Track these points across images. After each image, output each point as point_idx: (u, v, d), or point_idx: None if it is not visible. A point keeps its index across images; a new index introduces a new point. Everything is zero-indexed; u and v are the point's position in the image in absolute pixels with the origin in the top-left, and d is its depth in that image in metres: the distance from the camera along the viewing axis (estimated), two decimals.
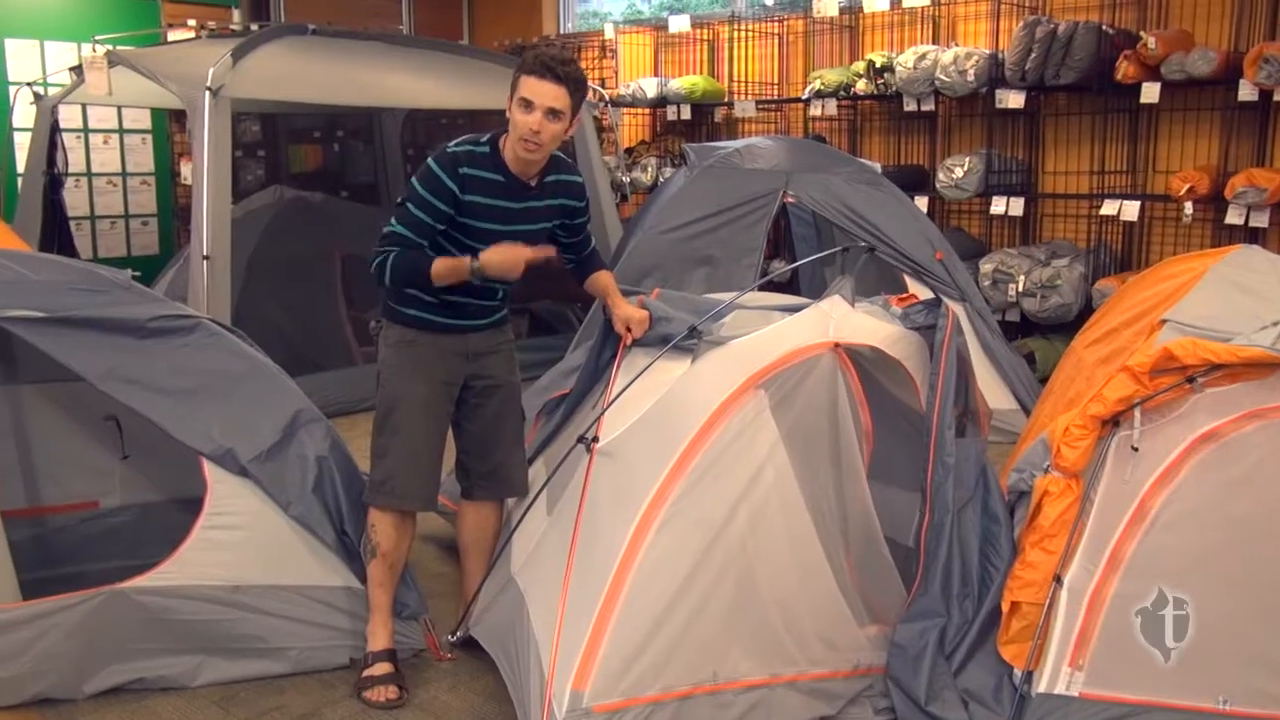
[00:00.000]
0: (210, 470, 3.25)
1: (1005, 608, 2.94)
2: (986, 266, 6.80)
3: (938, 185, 7.14)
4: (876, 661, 3.02)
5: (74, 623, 3.10)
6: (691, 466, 2.84)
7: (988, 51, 6.88)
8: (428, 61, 7.16)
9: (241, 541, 3.25)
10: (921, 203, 7.00)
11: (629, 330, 3.34)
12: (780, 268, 7.56)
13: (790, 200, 5.97)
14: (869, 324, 3.14)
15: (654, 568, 2.77)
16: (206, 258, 5.56)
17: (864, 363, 3.25)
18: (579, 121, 3.31)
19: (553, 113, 3.10)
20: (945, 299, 5.73)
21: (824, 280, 7.09)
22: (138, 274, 3.61)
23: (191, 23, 8.94)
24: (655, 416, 3.00)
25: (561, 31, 10.01)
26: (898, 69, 7.13)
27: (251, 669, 3.29)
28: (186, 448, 3.27)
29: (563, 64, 3.12)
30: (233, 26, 8.84)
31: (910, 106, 7.22)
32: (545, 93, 3.09)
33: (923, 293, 5.83)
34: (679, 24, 8.58)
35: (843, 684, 2.97)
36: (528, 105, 3.11)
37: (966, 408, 3.37)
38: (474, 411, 3.42)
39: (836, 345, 3.05)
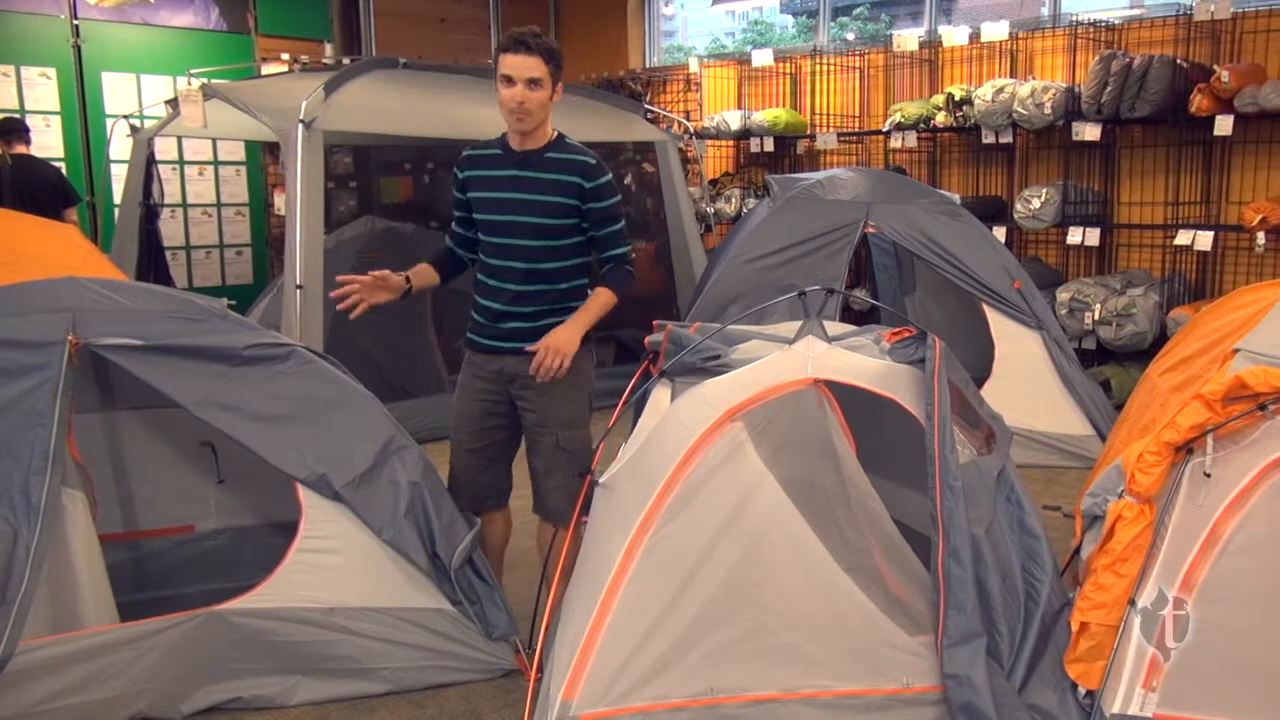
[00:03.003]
0: (305, 495, 3.27)
1: (1074, 627, 2.96)
2: (1063, 295, 6.78)
3: (1015, 216, 7.14)
4: (926, 681, 2.91)
5: (171, 644, 3.13)
6: (672, 498, 2.91)
7: (1064, 85, 6.87)
8: None
9: (336, 565, 3.27)
10: (999, 233, 6.99)
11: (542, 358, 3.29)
12: (861, 297, 7.63)
13: (871, 230, 5.99)
14: (851, 361, 3.09)
15: (640, 589, 2.87)
16: (300, 287, 5.63)
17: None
18: (560, 90, 3.40)
19: (532, 82, 3.27)
20: (1023, 326, 5.90)
21: (904, 309, 7.15)
22: (234, 302, 3.65)
23: (285, 57, 9.12)
24: (642, 452, 3.08)
25: (647, 65, 10.14)
26: (976, 102, 7.16)
27: (345, 689, 3.31)
28: (280, 473, 3.28)
29: (534, 36, 3.30)
30: (325, 60, 9.00)
31: (989, 139, 7.22)
32: (521, 65, 3.27)
33: (999, 322, 5.90)
34: (762, 58, 8.64)
35: (882, 701, 2.91)
36: (508, 80, 3.29)
37: (992, 431, 3.39)
38: (519, 429, 3.57)
39: (815, 381, 3.04)
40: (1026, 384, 5.74)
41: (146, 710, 3.17)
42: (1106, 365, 6.71)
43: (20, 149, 7.44)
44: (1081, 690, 2.92)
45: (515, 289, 3.40)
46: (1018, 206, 7.11)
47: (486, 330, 3.48)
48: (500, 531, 3.69)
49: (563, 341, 3.29)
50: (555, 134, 3.45)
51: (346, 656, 3.28)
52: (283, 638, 3.21)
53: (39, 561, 2.98)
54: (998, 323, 5.85)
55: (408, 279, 3.52)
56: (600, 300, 3.42)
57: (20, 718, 3.01)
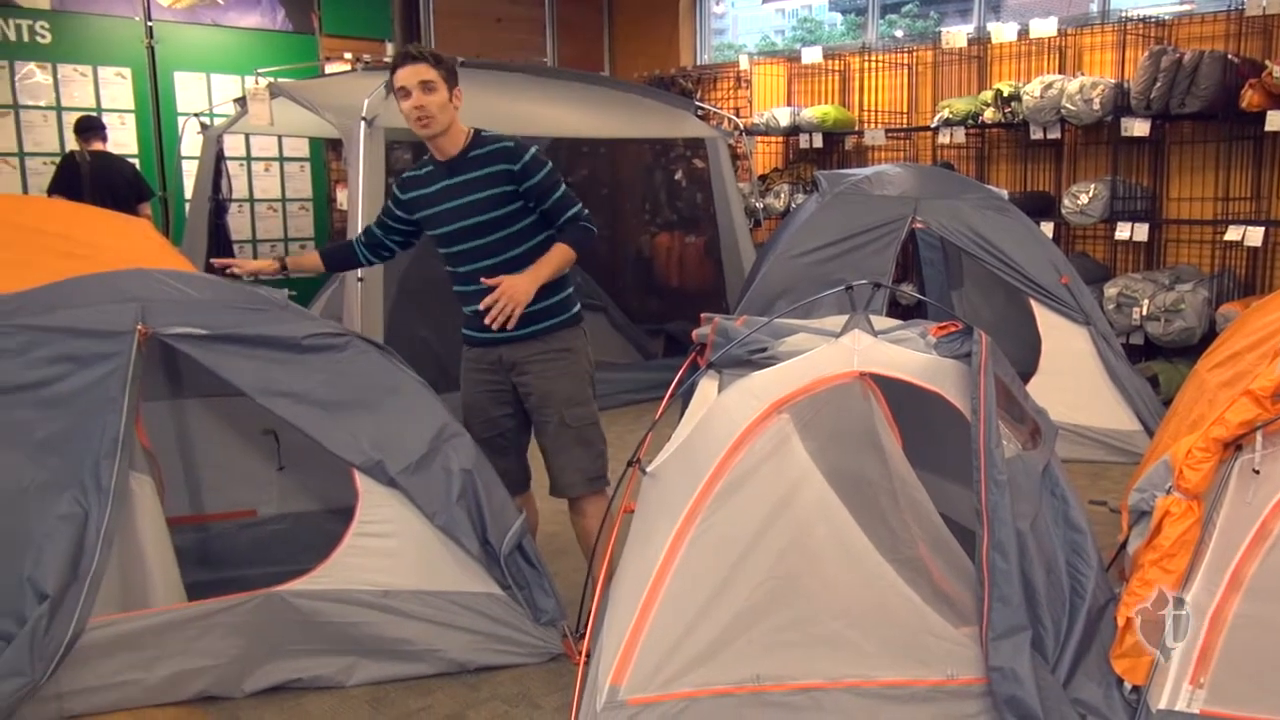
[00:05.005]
0: (361, 481, 3.28)
1: (1120, 622, 2.89)
2: (1111, 291, 6.64)
3: (1063, 211, 7.00)
4: (971, 673, 2.86)
5: (233, 624, 3.16)
6: (719, 488, 2.88)
7: (1113, 81, 6.71)
8: (570, 92, 7.24)
9: (391, 549, 3.28)
10: (1047, 228, 6.86)
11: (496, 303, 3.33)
12: (908, 292, 7.53)
13: (919, 226, 5.91)
14: (897, 355, 3.05)
15: (687, 578, 2.84)
16: (360, 280, 5.66)
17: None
18: (460, 93, 3.44)
19: (424, 85, 3.35)
20: (1071, 321, 5.79)
21: (951, 304, 7.05)
22: (294, 294, 3.70)
23: (348, 56, 9.19)
24: (690, 442, 3.06)
25: (698, 63, 10.08)
26: (1024, 98, 7.03)
27: (400, 670, 3.32)
28: (339, 459, 3.30)
29: (415, 47, 3.40)
30: (386, 59, 8.93)
31: (1037, 134, 7.09)
32: (410, 73, 3.35)
33: (1047, 317, 5.80)
34: (812, 55, 8.55)
35: (926, 691, 2.86)
36: (404, 92, 3.37)
37: (1037, 426, 3.32)
38: (528, 415, 3.61)
39: (862, 375, 3.00)
40: (1073, 379, 5.64)
41: (210, 688, 3.20)
42: (1154, 361, 6.57)
43: (98, 146, 7.55)
44: (1127, 685, 2.85)
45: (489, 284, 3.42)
46: (1065, 202, 6.98)
47: (478, 325, 3.52)
48: (529, 516, 3.70)
49: (516, 288, 3.33)
50: (471, 132, 3.51)
51: (401, 639, 3.28)
52: (339, 619, 3.23)
53: (109, 542, 3.03)
54: (1044, 318, 5.74)
55: (282, 261, 3.78)
56: (557, 253, 3.44)
57: (90, 691, 3.06)
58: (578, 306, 3.63)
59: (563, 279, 3.54)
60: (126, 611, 3.09)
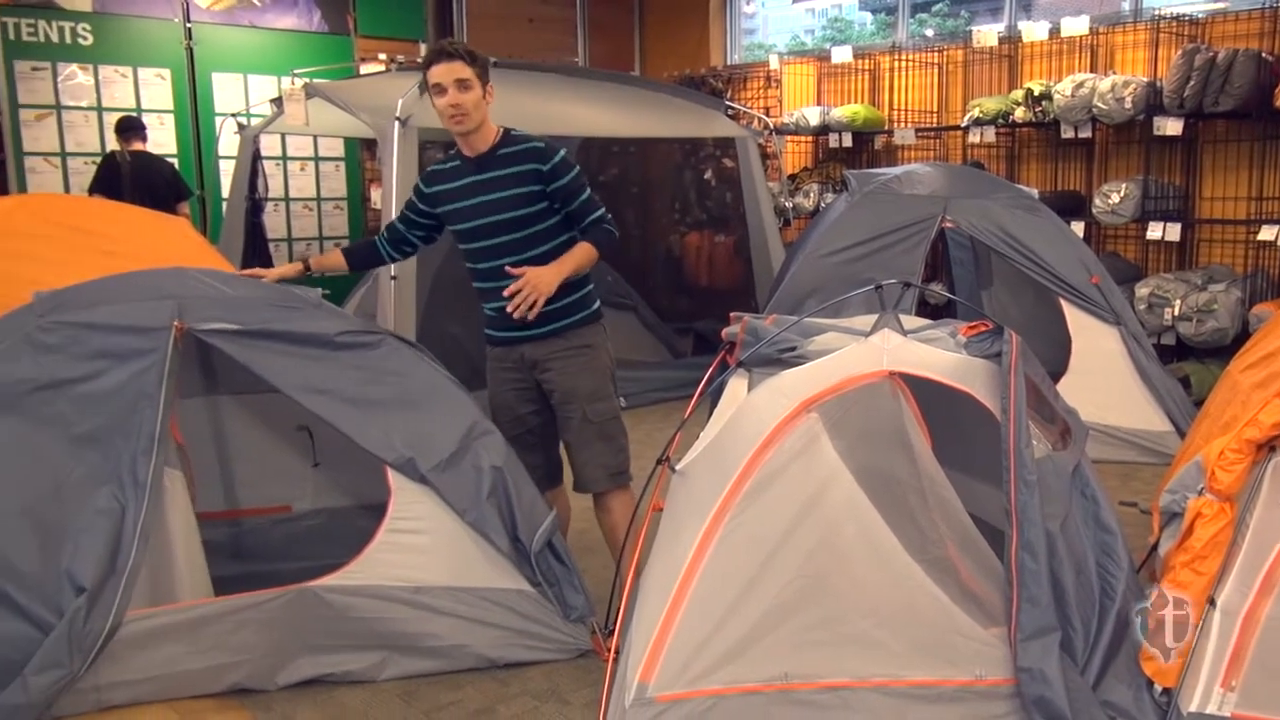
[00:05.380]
0: (393, 478, 3.29)
1: (1150, 624, 2.87)
2: (1142, 291, 6.56)
3: (1094, 211, 6.92)
4: (999, 673, 2.81)
5: (267, 618, 3.17)
6: (747, 487, 2.86)
7: (1146, 79, 6.62)
8: (601, 92, 7.23)
9: (422, 545, 3.28)
10: (1078, 228, 6.77)
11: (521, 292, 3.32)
12: (938, 291, 7.48)
13: (949, 225, 5.86)
14: (926, 354, 3.02)
15: (715, 576, 2.82)
16: (394, 278, 5.68)
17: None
18: (492, 90, 3.44)
19: (460, 82, 3.34)
20: (1101, 321, 5.73)
21: (980, 303, 6.99)
22: (327, 292, 3.70)
23: (382, 56, 9.22)
24: (718, 441, 3.04)
25: (728, 62, 10.05)
26: (1055, 97, 6.95)
27: (430, 666, 3.32)
28: (371, 456, 3.31)
29: (449, 43, 3.39)
30: (419, 60, 9.08)
31: (1068, 134, 7.01)
32: (447, 70, 3.33)
33: (1077, 316, 5.73)
34: (841, 55, 8.50)
35: (954, 692, 2.82)
36: (439, 89, 3.36)
37: (1067, 427, 3.28)
38: (554, 411, 3.61)
39: (891, 374, 2.97)
40: (1104, 379, 5.57)
41: (244, 681, 3.22)
42: (1186, 361, 6.48)
43: (138, 146, 7.62)
44: (1158, 688, 2.81)
45: (510, 282, 3.41)
46: (1096, 201, 6.90)
47: (499, 324, 3.55)
48: (560, 512, 3.69)
49: (541, 278, 3.33)
50: (501, 130, 3.51)
51: (431, 634, 3.29)
52: (371, 615, 3.24)
53: (145, 536, 3.05)
54: (1075, 318, 5.68)
55: (306, 265, 3.80)
56: (581, 250, 3.45)
57: (128, 683, 3.09)
58: (597, 304, 3.63)
59: (583, 277, 3.54)
60: (154, 604, 3.11)
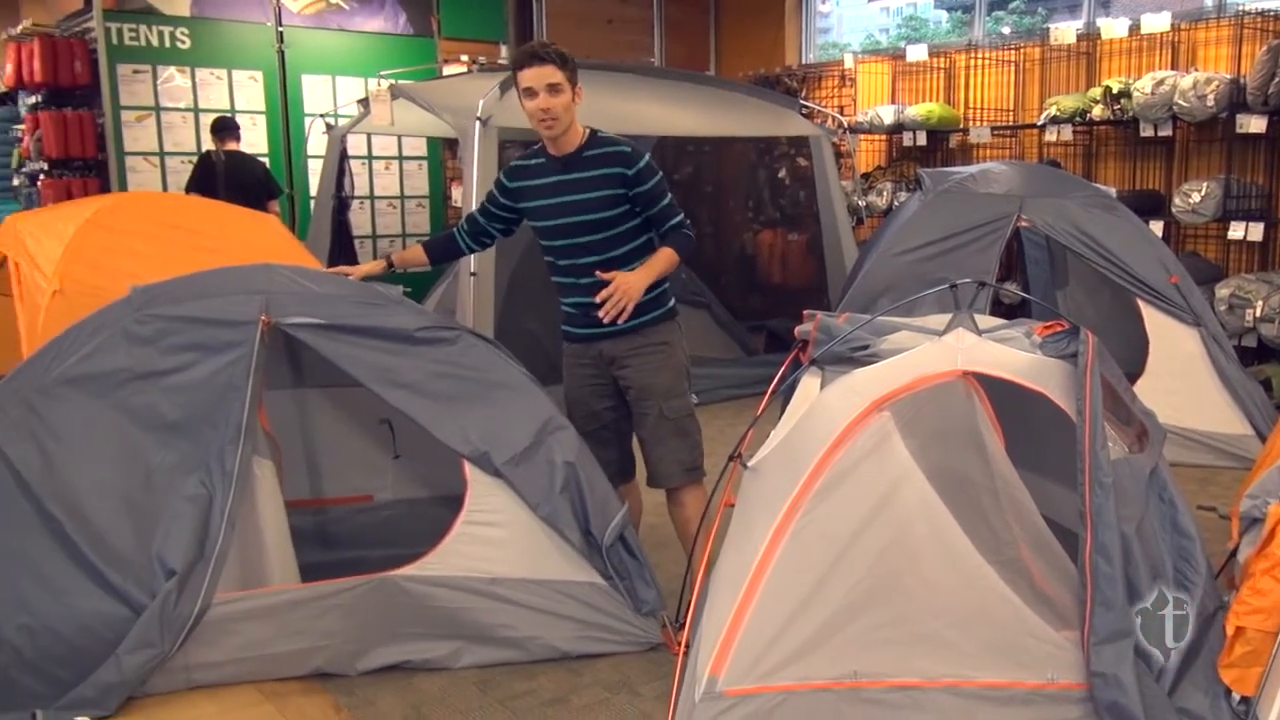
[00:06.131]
0: (470, 471, 3.30)
1: (1229, 631, 2.74)
2: (1223, 291, 6.35)
3: (1174, 210, 6.71)
4: (1071, 677, 2.74)
5: (349, 605, 3.20)
6: (819, 485, 2.80)
7: (1228, 76, 6.40)
8: (677, 92, 7.19)
9: (498, 538, 3.29)
10: (1156, 227, 6.56)
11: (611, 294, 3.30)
12: (1012, 290, 7.33)
13: (1024, 224, 5.73)
14: (1001, 354, 2.95)
15: (786, 573, 2.77)
16: (473, 275, 5.71)
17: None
18: (581, 91, 3.41)
19: (552, 87, 3.32)
20: (1180, 322, 5.55)
21: (1055, 303, 6.83)
22: (409, 289, 3.75)
23: (464, 58, 9.30)
24: (791, 438, 3.00)
25: (803, 62, 9.96)
26: (1135, 94, 6.74)
27: (504, 656, 3.33)
28: (448, 449, 3.33)
29: (542, 46, 3.37)
30: (501, 61, 9.11)
31: (1147, 132, 6.80)
32: (538, 75, 3.31)
33: (1155, 317, 5.57)
34: (917, 53, 8.36)
35: (1025, 694, 2.75)
36: (530, 93, 3.34)
37: (1144, 429, 3.17)
38: (629, 407, 3.61)
39: (965, 374, 2.90)
40: (1182, 381, 5.40)
41: (326, 665, 3.26)
42: (1267, 364, 6.27)
43: (232, 146, 7.79)
44: (1236, 696, 2.71)
45: (591, 281, 3.43)
46: (1176, 200, 6.70)
47: (578, 321, 3.56)
48: (631, 506, 3.69)
49: (630, 285, 3.32)
50: (588, 132, 3.49)
51: (505, 625, 3.30)
52: (448, 604, 3.26)
53: (232, 523, 3.10)
54: (1153, 318, 5.52)
55: (389, 262, 3.81)
56: (664, 255, 3.44)
57: (216, 664, 3.14)
58: (673, 302, 3.62)
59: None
60: (245, 589, 3.16)
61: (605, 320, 3.35)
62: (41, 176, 8.72)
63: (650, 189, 3.44)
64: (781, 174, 8.74)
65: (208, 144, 7.95)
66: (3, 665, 2.93)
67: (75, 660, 2.97)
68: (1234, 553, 3.14)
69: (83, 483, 3.11)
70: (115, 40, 8.05)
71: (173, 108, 8.34)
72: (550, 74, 3.33)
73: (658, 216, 3.48)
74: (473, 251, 3.89)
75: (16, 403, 3.17)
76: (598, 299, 3.34)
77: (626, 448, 3.74)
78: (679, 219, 3.48)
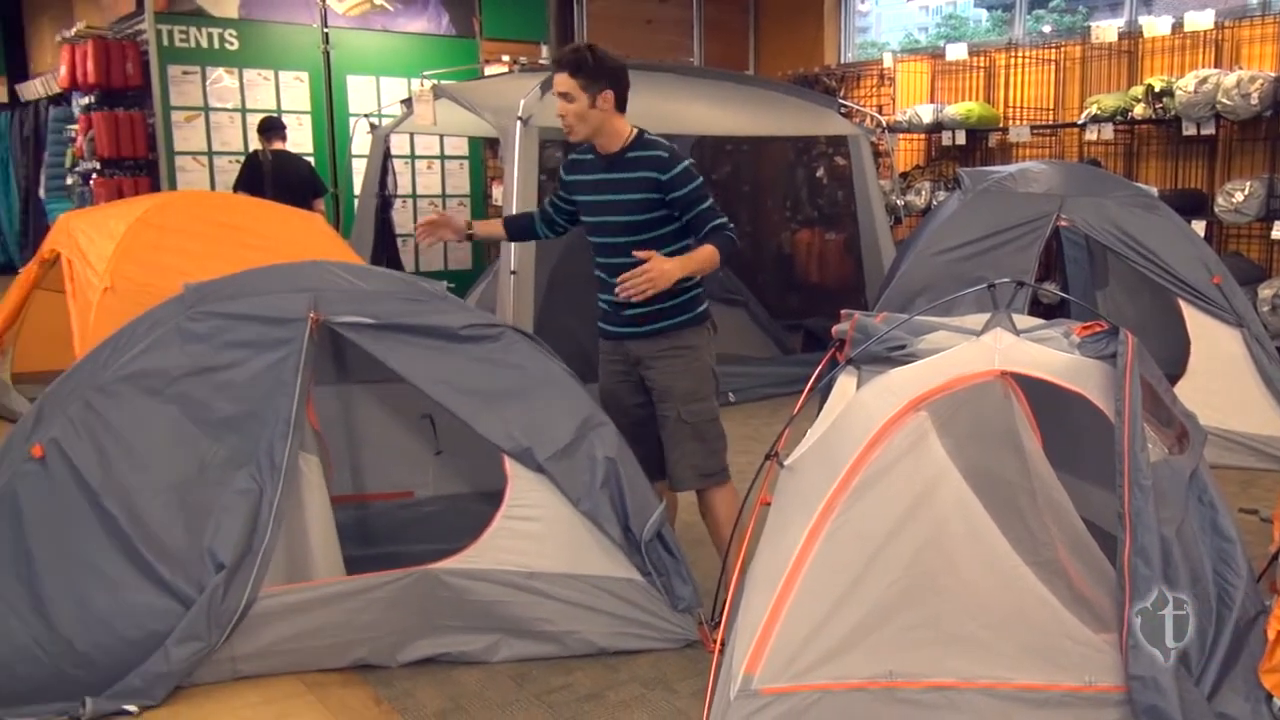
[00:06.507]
0: (511, 466, 3.31)
1: (1270, 636, 2.70)
2: (1266, 292, 6.24)
3: (1216, 209, 6.61)
4: (1109, 680, 2.70)
5: (390, 598, 3.22)
6: (855, 483, 2.78)
7: (1273, 74, 6.29)
8: (716, 91, 7.19)
9: (537, 532, 3.30)
10: (1198, 227, 6.46)
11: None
12: (1051, 290, 7.24)
13: (1064, 224, 5.66)
14: (1039, 354, 2.91)
15: (822, 571, 2.75)
16: (514, 273, 5.74)
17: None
18: (606, 96, 3.38)
19: (562, 95, 3.38)
20: (1222, 323, 5.47)
21: (1094, 303, 6.74)
22: (453, 285, 3.76)
23: (505, 58, 9.34)
24: (827, 437, 2.98)
25: (842, 61, 9.90)
26: (1177, 93, 6.64)
27: (542, 650, 3.34)
28: (490, 444, 3.34)
29: (569, 52, 3.43)
30: (542, 61, 9.13)
31: (1189, 131, 6.70)
32: (557, 82, 3.39)
33: (1196, 317, 5.48)
34: (956, 52, 8.29)
35: (1062, 696, 2.71)
36: (559, 96, 3.41)
37: (1185, 430, 3.13)
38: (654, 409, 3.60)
39: (1003, 374, 2.86)
40: (1224, 382, 5.32)
41: (368, 657, 3.28)
42: None
43: (278, 145, 7.87)
44: (1276, 702, 2.67)
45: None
46: (1219, 200, 6.60)
47: (612, 318, 3.57)
48: (668, 503, 3.68)
49: (662, 271, 3.26)
50: (635, 133, 3.48)
51: (544, 619, 3.31)
52: (487, 597, 3.27)
53: (280, 518, 3.14)
54: (1194, 319, 5.43)
55: (469, 224, 3.84)
56: (704, 252, 3.38)
57: (261, 655, 3.18)
58: (704, 306, 3.59)
59: (697, 280, 3.51)
60: (291, 582, 3.20)
61: (620, 296, 3.31)
62: (94, 176, 8.86)
63: (686, 194, 3.41)
64: (819, 173, 8.70)
65: (255, 144, 8.04)
66: (55, 656, 2.98)
67: (125, 651, 3.01)
68: (1276, 556, 3.10)
69: (137, 478, 3.16)
70: (166, 42, 8.16)
71: (221, 108, 8.44)
72: (561, 82, 3.36)
73: (695, 221, 3.43)
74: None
75: (75, 400, 3.22)
76: (622, 277, 3.28)
77: (660, 445, 3.73)
78: (718, 221, 3.43)
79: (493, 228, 3.98)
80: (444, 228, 3.77)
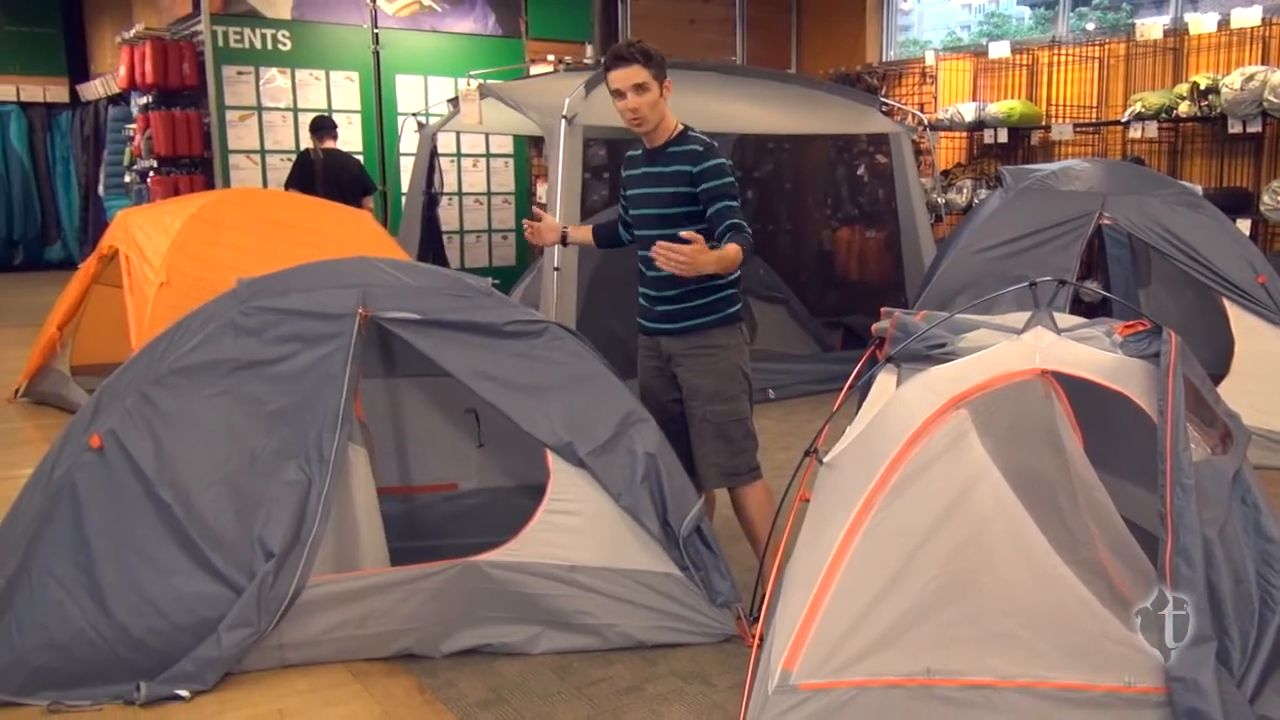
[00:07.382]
0: (553, 460, 3.31)
1: None
2: None
3: (1262, 208, 6.46)
4: (1150, 680, 2.64)
5: (434, 589, 3.23)
6: (894, 481, 2.75)
7: None
8: (759, 90, 7.15)
9: (578, 526, 3.30)
10: (1244, 225, 6.34)
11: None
12: (1093, 289, 7.14)
13: (1106, 222, 5.58)
14: (1080, 353, 2.86)
15: (861, 567, 2.71)
16: (556, 269, 5.75)
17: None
18: (669, 85, 3.39)
19: (638, 87, 3.33)
20: (1267, 322, 5.35)
21: (1138, 302, 6.63)
22: (498, 282, 3.76)
23: (550, 58, 9.36)
24: (867, 434, 2.95)
25: (883, 59, 9.82)
26: (1223, 90, 6.50)
27: (582, 642, 3.33)
28: (533, 439, 3.34)
29: (628, 47, 3.37)
30: (586, 60, 9.13)
31: (1235, 128, 6.57)
32: (624, 76, 3.33)
33: (1241, 317, 5.37)
34: (999, 50, 8.18)
35: (1101, 697, 2.65)
36: (618, 94, 3.37)
37: (1228, 431, 3.06)
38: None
39: (1044, 372, 2.82)
40: (1269, 382, 5.21)
41: (412, 647, 3.30)
42: None
43: (329, 144, 7.94)
44: None
45: (656, 274, 3.39)
46: (1265, 198, 6.45)
47: (647, 313, 3.58)
48: (707, 499, 3.64)
49: (699, 258, 3.14)
50: (679, 128, 3.47)
51: (584, 612, 3.31)
52: (528, 590, 3.28)
53: (328, 509, 3.17)
54: (1238, 318, 5.33)
55: (565, 230, 3.88)
56: (730, 250, 3.26)
57: (308, 643, 3.20)
58: (737, 306, 3.55)
59: (732, 279, 3.47)
60: (338, 571, 3.22)
61: (657, 263, 3.19)
62: (151, 173, 9.00)
63: (712, 187, 3.36)
64: (860, 171, 8.63)
65: (306, 142, 8.12)
66: (111, 641, 3.03)
67: (178, 637, 3.06)
68: None
69: (191, 469, 3.20)
70: (221, 43, 8.26)
71: (273, 107, 8.53)
72: (635, 74, 3.33)
73: (715, 216, 3.35)
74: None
75: (132, 392, 3.27)
76: (658, 245, 3.16)
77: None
78: (738, 221, 3.36)
79: (584, 234, 3.96)
80: (545, 231, 3.83)
